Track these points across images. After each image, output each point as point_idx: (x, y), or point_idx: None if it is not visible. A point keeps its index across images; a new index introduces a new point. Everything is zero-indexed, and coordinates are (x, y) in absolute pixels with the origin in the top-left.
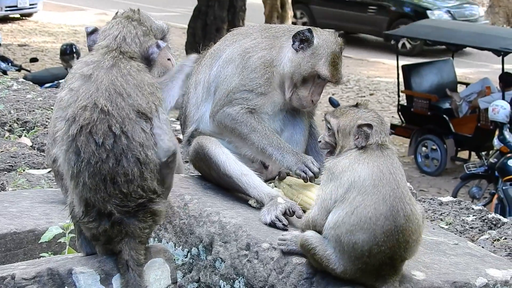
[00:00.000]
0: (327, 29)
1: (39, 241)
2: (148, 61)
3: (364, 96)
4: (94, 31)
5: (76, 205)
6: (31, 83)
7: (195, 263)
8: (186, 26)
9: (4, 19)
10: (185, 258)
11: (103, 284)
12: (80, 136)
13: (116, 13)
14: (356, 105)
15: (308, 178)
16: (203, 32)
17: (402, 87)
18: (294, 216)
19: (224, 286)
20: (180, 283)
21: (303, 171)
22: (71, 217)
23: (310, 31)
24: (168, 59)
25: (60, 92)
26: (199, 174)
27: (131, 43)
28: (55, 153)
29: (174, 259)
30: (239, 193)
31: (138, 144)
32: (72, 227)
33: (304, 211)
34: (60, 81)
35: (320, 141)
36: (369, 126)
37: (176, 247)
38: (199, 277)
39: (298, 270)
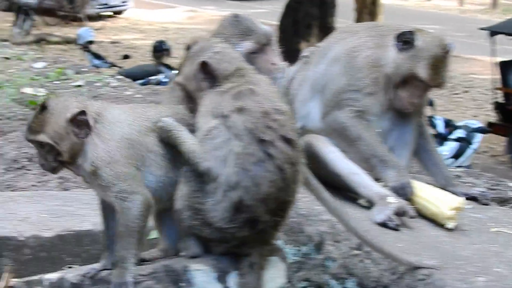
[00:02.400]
0: (434, 32)
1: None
2: None
3: (458, 93)
4: None
5: (211, 211)
6: (129, 79)
7: (305, 262)
8: (276, 23)
9: (97, 17)
10: (295, 256)
11: (219, 281)
12: (273, 143)
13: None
14: (44, 107)
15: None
16: (293, 29)
17: (498, 84)
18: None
19: (335, 285)
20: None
21: (396, 192)
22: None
23: (412, 33)
24: (273, 64)
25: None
26: None
27: None
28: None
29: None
30: (348, 192)
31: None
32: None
33: (418, 212)
34: (151, 77)
35: (43, 164)
36: (81, 113)
37: (286, 245)
38: (309, 276)
39: (413, 271)
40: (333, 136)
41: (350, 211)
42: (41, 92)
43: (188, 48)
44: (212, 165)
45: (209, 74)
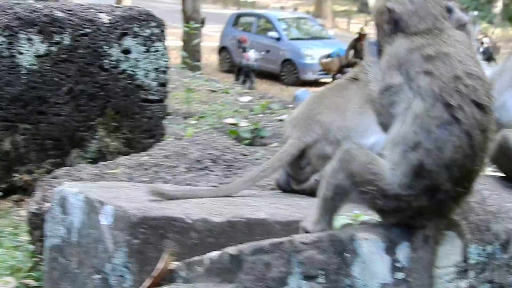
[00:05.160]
0: None
1: None
2: None
3: None
4: None
5: (390, 176)
6: None
7: (489, 262)
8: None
9: (316, 82)
10: (479, 257)
11: (387, 253)
12: (461, 108)
13: None
14: None
15: None
16: None
17: None
18: None
19: None
20: (471, 283)
21: None
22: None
23: None
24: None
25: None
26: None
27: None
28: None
29: (466, 235)
30: None
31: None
32: (363, 217)
33: None
34: None
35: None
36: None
37: (470, 244)
38: (493, 277)
39: None
40: None
41: None
42: (243, 122)
43: None
44: (385, 120)
45: (394, 23)
